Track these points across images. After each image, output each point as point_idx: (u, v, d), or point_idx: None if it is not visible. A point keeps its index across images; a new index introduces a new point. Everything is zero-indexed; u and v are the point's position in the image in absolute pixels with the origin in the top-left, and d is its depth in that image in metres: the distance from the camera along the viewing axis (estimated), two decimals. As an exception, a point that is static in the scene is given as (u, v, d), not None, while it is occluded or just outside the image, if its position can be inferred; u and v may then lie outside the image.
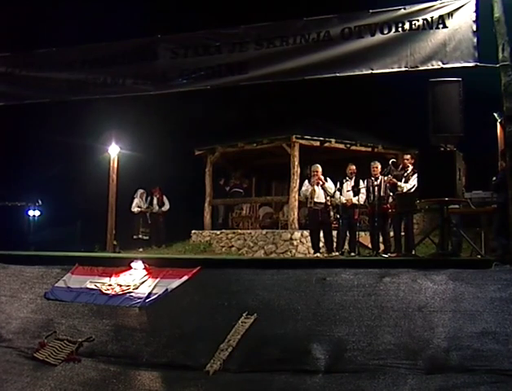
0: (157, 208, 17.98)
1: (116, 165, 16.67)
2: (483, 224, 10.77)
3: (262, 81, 10.32)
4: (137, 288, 8.30)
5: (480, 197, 10.96)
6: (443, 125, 8.83)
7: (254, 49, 10.06)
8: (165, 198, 18.13)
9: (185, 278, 8.28)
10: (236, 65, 10.13)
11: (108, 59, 10.96)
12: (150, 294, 8.09)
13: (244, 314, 7.11)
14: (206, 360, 6.45)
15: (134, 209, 17.90)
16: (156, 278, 8.47)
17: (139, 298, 8.03)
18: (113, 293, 8.28)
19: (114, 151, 16.80)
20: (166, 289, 8.11)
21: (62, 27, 19.94)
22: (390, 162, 12.05)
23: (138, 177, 18.99)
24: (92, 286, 8.56)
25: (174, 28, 11.41)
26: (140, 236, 17.76)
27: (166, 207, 18.06)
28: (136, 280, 8.51)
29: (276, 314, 7.13)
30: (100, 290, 8.40)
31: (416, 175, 10.50)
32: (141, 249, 16.83)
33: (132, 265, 8.84)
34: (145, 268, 8.77)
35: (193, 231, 17.65)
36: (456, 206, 10.39)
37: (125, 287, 8.36)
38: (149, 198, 18.18)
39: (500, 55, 8.53)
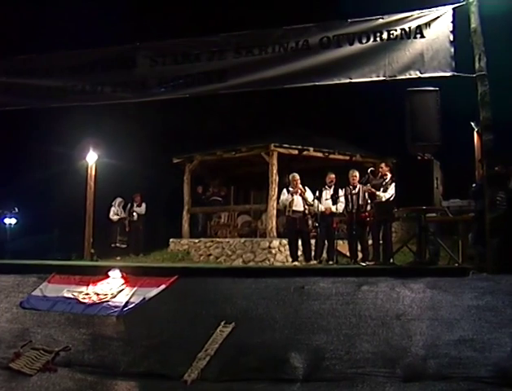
0: (136, 216, 17.87)
1: (93, 173, 16.56)
2: (460, 232, 10.82)
3: (241, 90, 10.33)
4: (114, 297, 8.26)
5: (457, 205, 11.02)
6: (420, 134, 8.88)
7: (233, 57, 10.05)
8: (143, 205, 18.01)
9: (163, 286, 8.25)
10: (215, 73, 10.12)
11: (86, 67, 10.89)
12: (127, 303, 8.06)
13: (222, 323, 7.10)
14: (184, 369, 6.42)
15: (114, 217, 17.77)
16: (134, 286, 8.43)
17: (117, 307, 8.00)
18: (90, 302, 8.23)
19: (92, 158, 16.69)
20: (144, 298, 8.08)
21: (41, 34, 19.84)
22: (369, 171, 12.08)
23: (116, 185, 18.86)
24: (69, 295, 8.51)
25: (153, 35, 11.38)
26: (118, 245, 17.62)
27: (142, 211, 17.94)
28: (113, 289, 8.47)
29: (255, 322, 7.12)
30: (77, 299, 8.35)
31: (394, 184, 10.54)
32: (119, 258, 16.68)
33: (109, 273, 8.80)
34: (122, 277, 8.73)
35: (171, 240, 17.56)
36: (434, 214, 10.43)
37: (102, 296, 8.31)
38: (129, 205, 18.05)
39: (477, 65, 8.62)
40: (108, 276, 8.79)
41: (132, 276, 8.78)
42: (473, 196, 10.36)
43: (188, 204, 17.74)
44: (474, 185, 10.54)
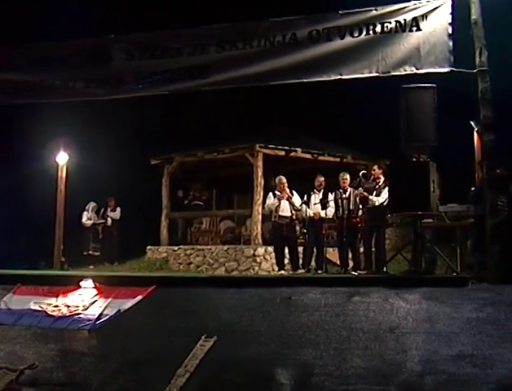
0: (110, 221, 17.76)
1: (64, 175, 16.42)
2: (458, 239, 10.81)
3: (224, 87, 10.30)
4: (86, 309, 8.22)
5: (456, 211, 11.02)
6: (415, 134, 8.89)
7: (216, 52, 10.01)
8: (118, 209, 17.91)
9: (139, 297, 8.22)
10: (196, 69, 10.07)
11: (56, 60, 10.82)
12: (101, 315, 8.02)
13: (203, 337, 7.06)
14: (162, 387, 6.36)
15: (87, 222, 17.66)
16: (108, 298, 8.40)
17: (89, 320, 7.95)
18: (60, 315, 8.18)
19: (62, 159, 16.54)
20: (119, 310, 8.04)
21: (8, 24, 19.66)
22: (361, 174, 12.09)
23: (88, 187, 18.71)
24: (36, 307, 8.44)
25: (129, 27, 11.30)
26: (91, 252, 17.51)
27: (116, 216, 17.84)
28: (85, 300, 8.43)
29: (238, 336, 7.10)
30: (45, 311, 8.29)
31: (388, 187, 10.53)
32: (91, 266, 16.60)
33: (81, 283, 8.78)
34: (95, 287, 8.71)
35: (149, 247, 17.47)
36: (430, 220, 10.44)
37: (73, 308, 8.27)
38: (102, 210, 17.95)
39: (478, 60, 8.60)
40: (80, 286, 8.76)
41: (106, 286, 8.75)
42: (472, 201, 10.36)
43: (167, 209, 17.68)
44: (473, 188, 10.55)
